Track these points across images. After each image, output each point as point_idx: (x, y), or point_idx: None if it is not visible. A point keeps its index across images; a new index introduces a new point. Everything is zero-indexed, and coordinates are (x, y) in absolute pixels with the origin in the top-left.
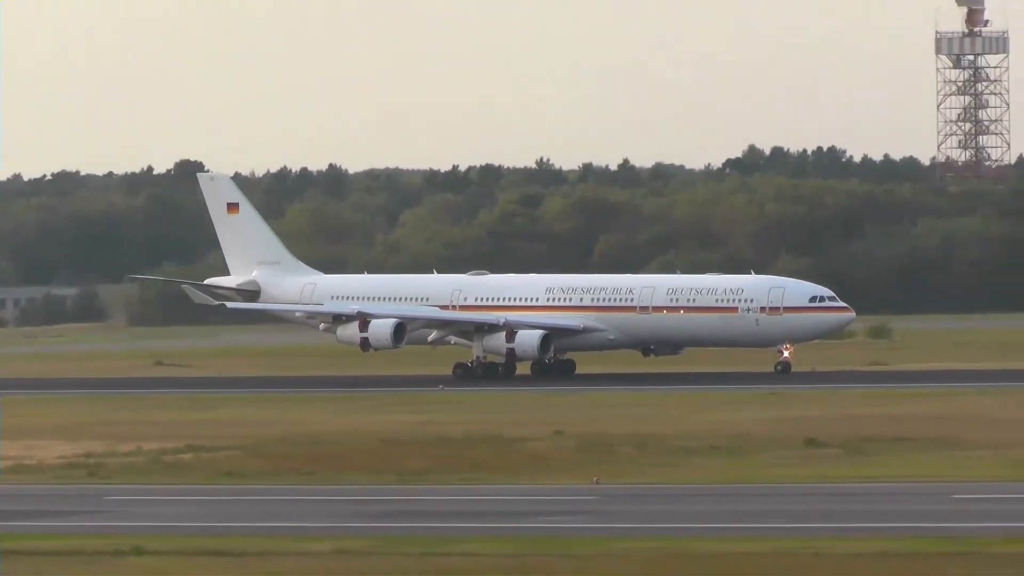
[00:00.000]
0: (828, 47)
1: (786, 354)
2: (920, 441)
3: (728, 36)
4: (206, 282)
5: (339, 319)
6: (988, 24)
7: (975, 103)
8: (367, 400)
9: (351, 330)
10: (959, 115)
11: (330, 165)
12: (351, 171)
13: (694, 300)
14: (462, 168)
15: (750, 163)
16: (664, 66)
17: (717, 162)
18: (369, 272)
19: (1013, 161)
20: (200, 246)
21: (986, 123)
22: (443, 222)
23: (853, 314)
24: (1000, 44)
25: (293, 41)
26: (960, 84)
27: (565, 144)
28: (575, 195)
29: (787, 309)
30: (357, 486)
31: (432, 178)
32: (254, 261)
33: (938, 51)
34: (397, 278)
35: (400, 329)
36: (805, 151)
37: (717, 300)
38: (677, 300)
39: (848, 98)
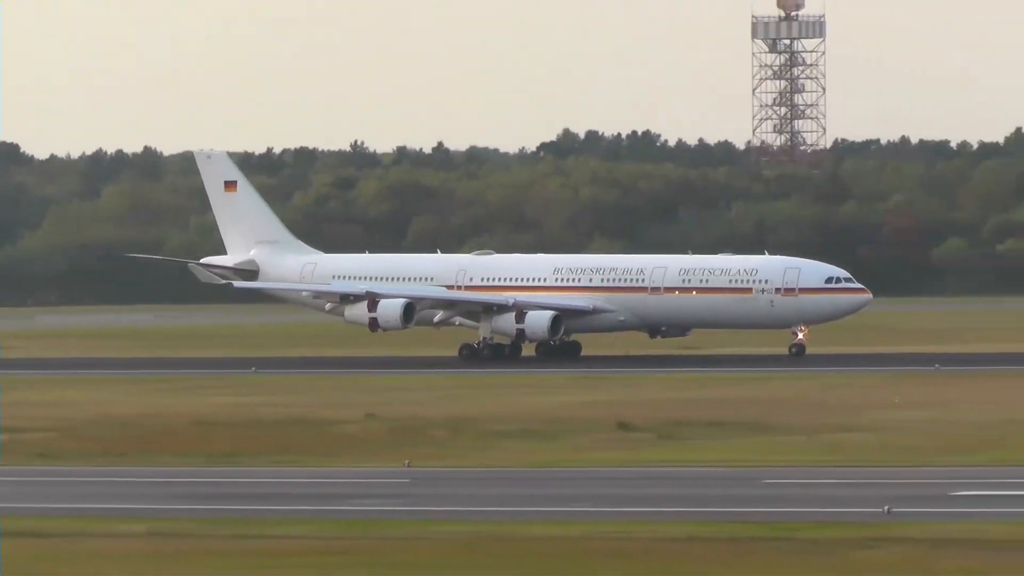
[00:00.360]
0: (643, 30)
1: (800, 336)
2: (732, 425)
3: (542, 18)
4: (202, 261)
5: (347, 299)
6: (804, 8)
7: (791, 87)
8: (183, 381)
9: (359, 310)
10: (775, 99)
11: (145, 147)
12: (166, 153)
13: (707, 281)
14: (276, 151)
15: (565, 147)
16: (479, 49)
17: (531, 146)
18: (372, 252)
19: (828, 146)
20: (15, 226)
21: (802, 107)
22: None
23: (870, 295)
24: (817, 28)
25: (108, 21)
26: (776, 68)
27: (379, 127)
28: (389, 178)
29: (803, 290)
30: (170, 468)
31: (247, 160)
32: (252, 240)
33: (754, 35)
34: (401, 258)
35: (409, 309)
36: (620, 135)
37: (731, 281)
38: (689, 281)
39: (663, 82)
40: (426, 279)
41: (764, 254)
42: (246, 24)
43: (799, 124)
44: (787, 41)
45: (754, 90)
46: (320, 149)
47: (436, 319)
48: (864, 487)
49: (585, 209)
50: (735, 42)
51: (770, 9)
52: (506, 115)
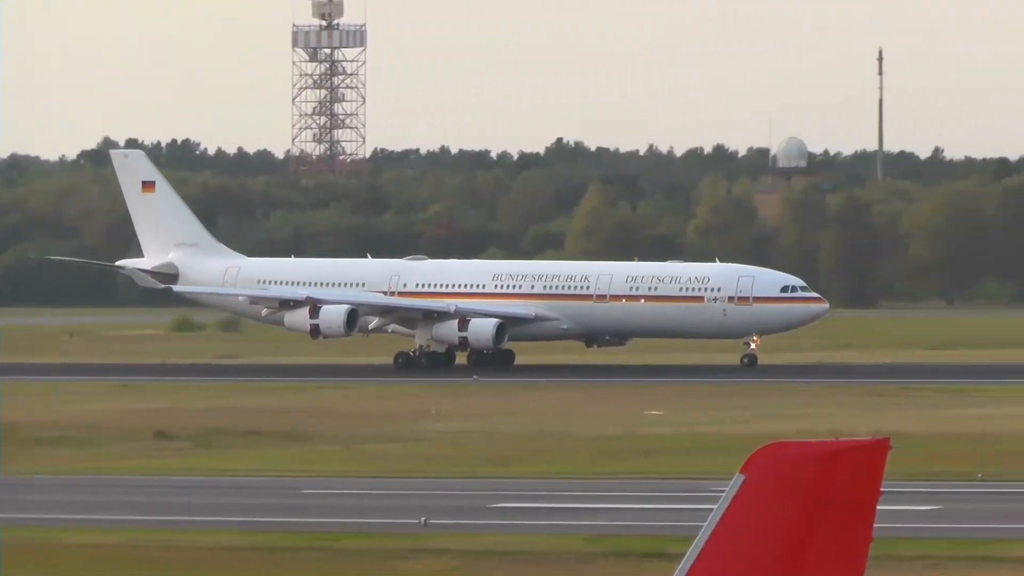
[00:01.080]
0: (184, 37)
1: (753, 346)
2: (271, 435)
3: (80, 26)
4: (117, 263)
5: (286, 304)
6: (344, 17)
7: (331, 97)
8: None
9: (300, 316)
10: (315, 109)
11: None
12: None
13: (656, 288)
14: None
15: (105, 155)
16: (18, 56)
17: (72, 153)
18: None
19: (368, 155)
20: None
21: (341, 117)
22: None
23: (826, 305)
24: (358, 38)
25: None
26: (316, 77)
27: None
28: None
29: (757, 299)
30: None
31: None
32: (171, 243)
33: (295, 44)
34: (330, 262)
35: (353, 316)
36: (160, 143)
37: (681, 289)
38: (637, 288)
39: (203, 90)
40: (358, 284)
41: (715, 261)
42: None
43: (339, 134)
44: (328, 50)
45: (294, 99)
46: None
47: (371, 326)
48: (401, 498)
49: (123, 217)
50: (276, 50)
51: (311, 18)
52: (47, 122)
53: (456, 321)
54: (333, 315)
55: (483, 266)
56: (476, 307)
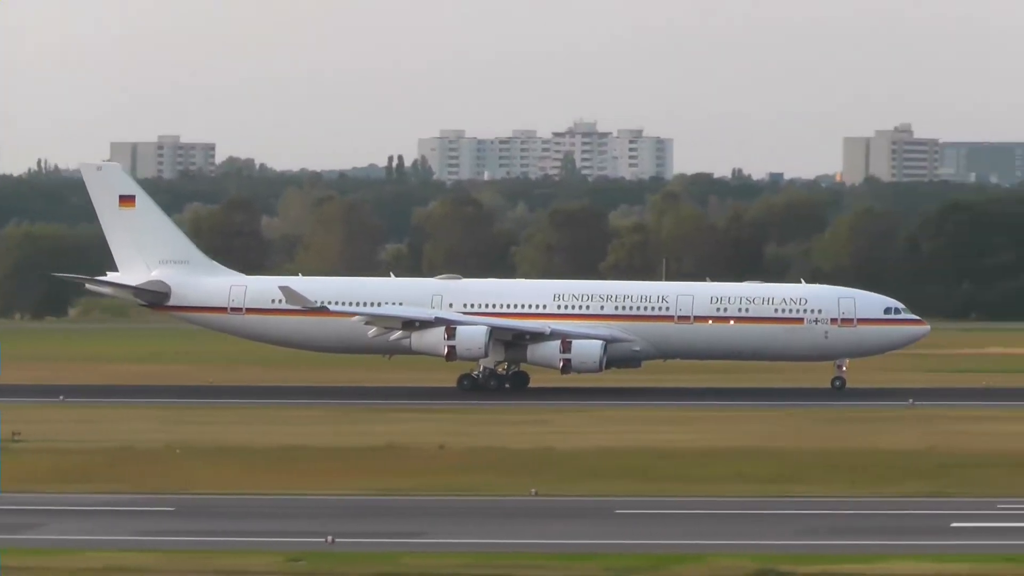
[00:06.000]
0: None
1: (844, 369)
2: None
3: None
4: (96, 279)
5: (410, 325)
6: None
7: None
8: None
9: (432, 338)
10: None
11: None
12: None
13: (747, 310)
14: None
15: None
16: None
17: None
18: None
19: None
20: None
21: None
22: None
23: (928, 327)
24: None
25: None
26: None
27: None
28: None
29: (861, 321)
30: None
31: None
32: (155, 260)
33: None
34: (348, 281)
35: (489, 336)
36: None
37: (776, 310)
38: (725, 309)
39: None
40: (391, 303)
41: (800, 282)
42: None
43: None
44: None
45: None
46: None
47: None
48: None
49: None
50: None
51: None
52: None
53: (558, 342)
54: (474, 336)
55: (543, 285)
56: (565, 328)
